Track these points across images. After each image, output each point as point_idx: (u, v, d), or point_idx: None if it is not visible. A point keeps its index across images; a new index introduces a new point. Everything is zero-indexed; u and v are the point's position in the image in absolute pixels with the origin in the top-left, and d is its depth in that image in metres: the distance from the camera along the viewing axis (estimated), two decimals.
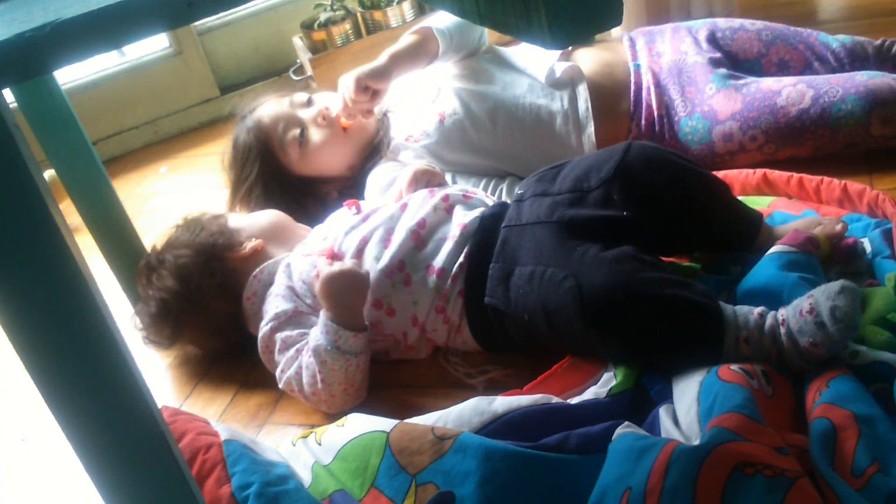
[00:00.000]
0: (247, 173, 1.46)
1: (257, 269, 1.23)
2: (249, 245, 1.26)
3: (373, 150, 1.49)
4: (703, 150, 1.36)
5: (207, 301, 1.23)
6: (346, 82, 1.43)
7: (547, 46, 0.56)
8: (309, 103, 1.49)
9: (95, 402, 0.60)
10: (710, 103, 1.35)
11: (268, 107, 1.48)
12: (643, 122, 1.41)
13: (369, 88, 1.43)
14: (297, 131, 1.45)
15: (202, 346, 1.32)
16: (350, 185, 1.49)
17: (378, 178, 1.42)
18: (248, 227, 1.30)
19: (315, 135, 1.45)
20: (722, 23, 1.49)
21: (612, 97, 1.42)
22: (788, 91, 1.31)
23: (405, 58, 1.46)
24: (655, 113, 1.40)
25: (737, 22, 1.49)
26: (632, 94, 1.42)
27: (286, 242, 1.29)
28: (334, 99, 1.49)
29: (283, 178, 1.47)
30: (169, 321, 1.25)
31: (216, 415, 1.20)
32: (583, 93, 1.40)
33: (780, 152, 1.33)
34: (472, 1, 0.62)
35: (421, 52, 1.47)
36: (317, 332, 1.09)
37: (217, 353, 1.31)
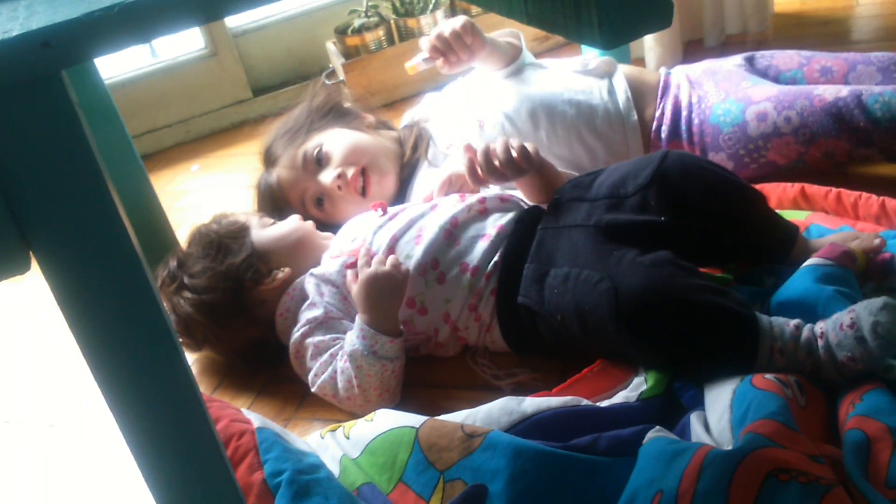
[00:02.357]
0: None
1: (290, 288, 1.23)
2: (279, 276, 1.24)
3: (406, 165, 1.47)
4: (735, 133, 1.35)
5: (233, 332, 1.24)
6: (456, 20, 1.38)
7: (596, 46, 0.57)
8: (321, 164, 1.42)
9: (144, 380, 0.61)
10: (746, 91, 1.36)
11: (284, 172, 1.43)
12: (669, 107, 1.41)
13: (469, 38, 1.37)
14: (315, 200, 1.42)
15: (225, 359, 1.32)
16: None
17: (425, 184, 1.40)
18: (275, 250, 1.26)
19: (335, 202, 1.42)
20: (758, 53, 1.50)
21: (637, 95, 1.43)
22: (826, 86, 1.32)
23: (496, 47, 1.43)
24: (683, 102, 1.40)
25: (770, 52, 1.50)
26: (659, 89, 1.43)
27: (313, 255, 1.28)
28: (346, 165, 1.41)
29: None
30: (192, 339, 1.26)
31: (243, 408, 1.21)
32: (621, 83, 1.42)
33: (814, 142, 1.31)
34: (521, 1, 0.63)
35: (507, 52, 1.45)
36: (352, 337, 1.09)
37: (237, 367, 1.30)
